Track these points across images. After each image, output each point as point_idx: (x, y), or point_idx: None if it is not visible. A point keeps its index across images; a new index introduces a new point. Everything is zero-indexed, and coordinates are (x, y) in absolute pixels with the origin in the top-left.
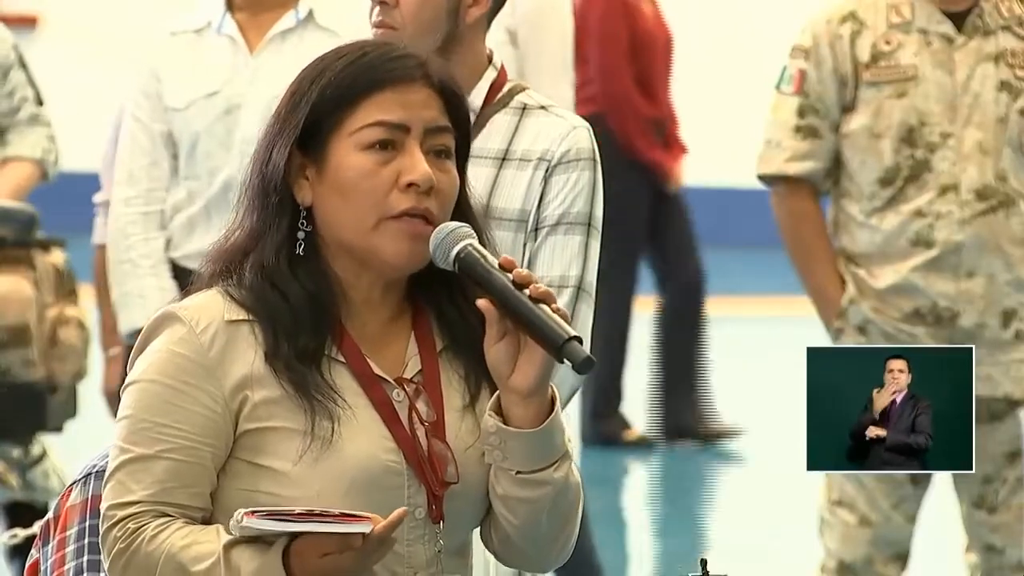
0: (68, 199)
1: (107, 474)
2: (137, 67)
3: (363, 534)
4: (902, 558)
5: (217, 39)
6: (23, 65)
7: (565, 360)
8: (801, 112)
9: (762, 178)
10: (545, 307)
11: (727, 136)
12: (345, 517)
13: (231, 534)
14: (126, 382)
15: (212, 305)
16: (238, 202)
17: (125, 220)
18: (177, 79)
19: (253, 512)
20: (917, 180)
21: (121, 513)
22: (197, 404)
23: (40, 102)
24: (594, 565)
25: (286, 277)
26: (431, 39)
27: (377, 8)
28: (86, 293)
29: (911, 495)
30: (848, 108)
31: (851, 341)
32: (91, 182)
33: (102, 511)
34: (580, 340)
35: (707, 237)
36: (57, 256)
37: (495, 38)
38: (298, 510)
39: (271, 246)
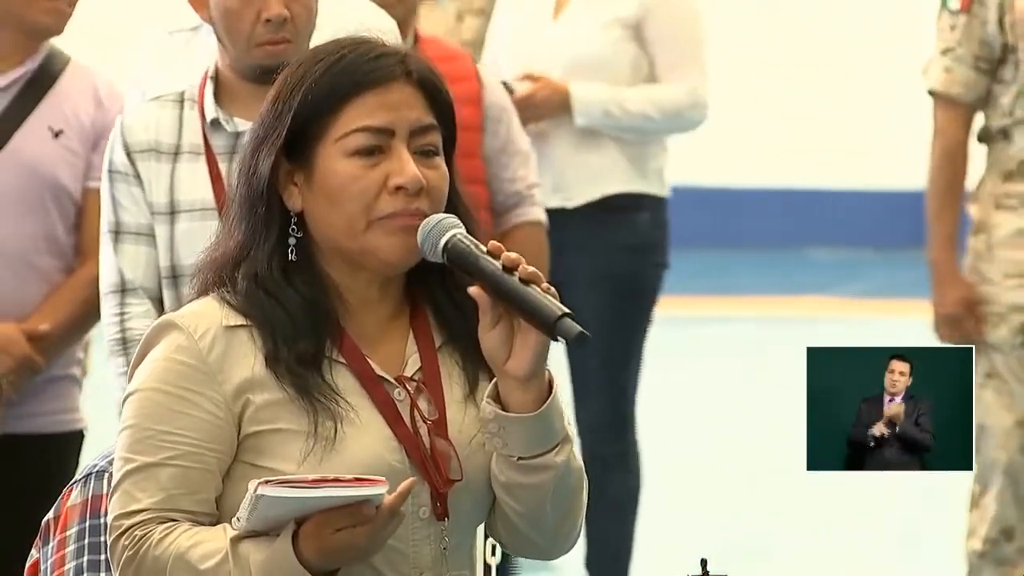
0: None
1: (112, 485)
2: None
3: (375, 506)
4: None
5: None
6: None
7: (559, 337)
8: None
9: None
10: (536, 287)
11: (727, 136)
12: (359, 481)
13: (236, 531)
14: (126, 392)
15: (209, 311)
16: (226, 212)
17: None
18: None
19: (267, 482)
20: None
21: (128, 522)
22: (200, 410)
23: None
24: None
25: (281, 284)
26: (307, 44)
27: (266, 24)
28: None
29: None
30: None
31: None
32: None
33: (109, 522)
34: (573, 316)
35: (707, 237)
36: None
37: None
38: (311, 477)
39: (263, 255)
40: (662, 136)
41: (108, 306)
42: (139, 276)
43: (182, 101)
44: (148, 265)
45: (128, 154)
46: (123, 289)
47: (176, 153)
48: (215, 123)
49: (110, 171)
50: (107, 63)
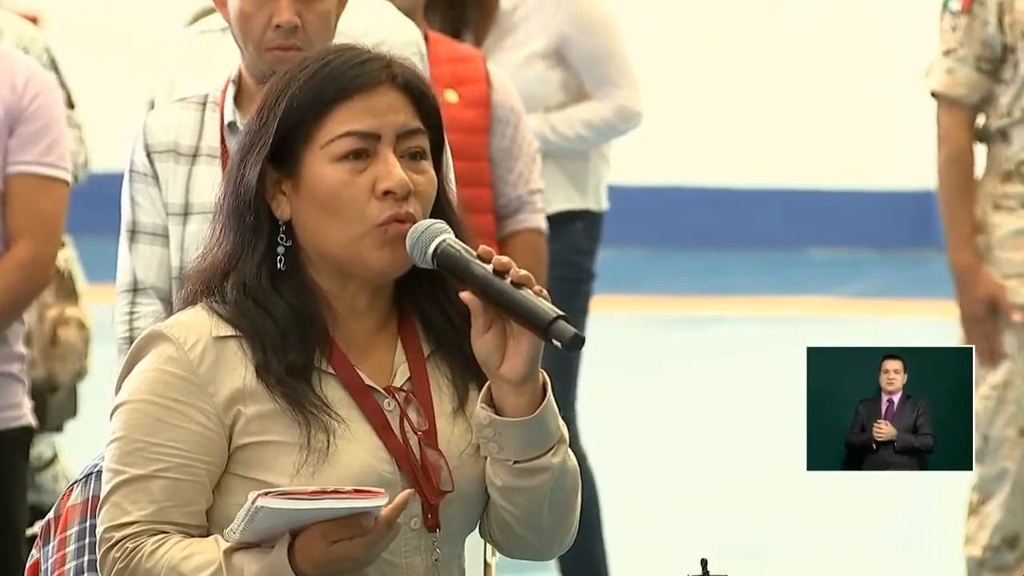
0: (72, 198)
1: (102, 497)
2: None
3: (374, 517)
4: None
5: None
6: (56, 67)
7: (553, 340)
8: None
9: None
10: (528, 290)
11: (728, 137)
12: (359, 492)
13: (229, 542)
14: (115, 404)
15: (198, 322)
16: (214, 220)
17: None
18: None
19: (266, 493)
20: None
21: (118, 534)
22: (190, 421)
23: (71, 104)
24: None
25: (269, 294)
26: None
27: (277, 30)
28: (100, 293)
29: None
30: None
31: None
32: (95, 181)
33: (98, 534)
34: (567, 319)
35: (707, 237)
36: (58, 256)
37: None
38: (311, 489)
39: (251, 264)
40: (600, 145)
41: (119, 305)
42: (151, 276)
43: (204, 104)
44: (161, 266)
45: (148, 154)
46: (135, 289)
47: (195, 155)
48: (232, 126)
49: (130, 171)
50: (106, 62)
